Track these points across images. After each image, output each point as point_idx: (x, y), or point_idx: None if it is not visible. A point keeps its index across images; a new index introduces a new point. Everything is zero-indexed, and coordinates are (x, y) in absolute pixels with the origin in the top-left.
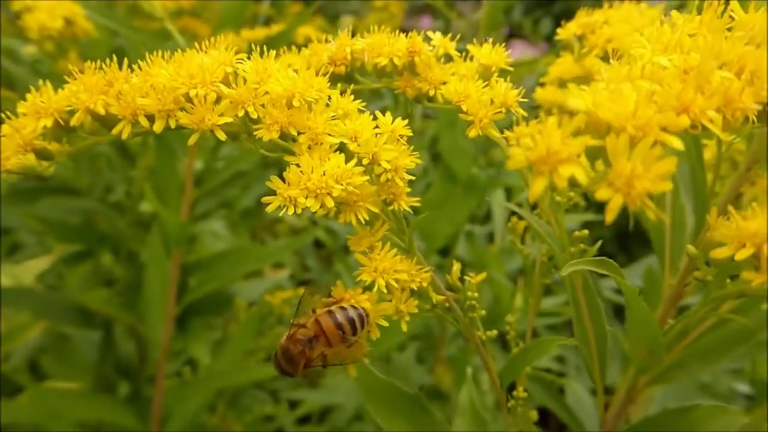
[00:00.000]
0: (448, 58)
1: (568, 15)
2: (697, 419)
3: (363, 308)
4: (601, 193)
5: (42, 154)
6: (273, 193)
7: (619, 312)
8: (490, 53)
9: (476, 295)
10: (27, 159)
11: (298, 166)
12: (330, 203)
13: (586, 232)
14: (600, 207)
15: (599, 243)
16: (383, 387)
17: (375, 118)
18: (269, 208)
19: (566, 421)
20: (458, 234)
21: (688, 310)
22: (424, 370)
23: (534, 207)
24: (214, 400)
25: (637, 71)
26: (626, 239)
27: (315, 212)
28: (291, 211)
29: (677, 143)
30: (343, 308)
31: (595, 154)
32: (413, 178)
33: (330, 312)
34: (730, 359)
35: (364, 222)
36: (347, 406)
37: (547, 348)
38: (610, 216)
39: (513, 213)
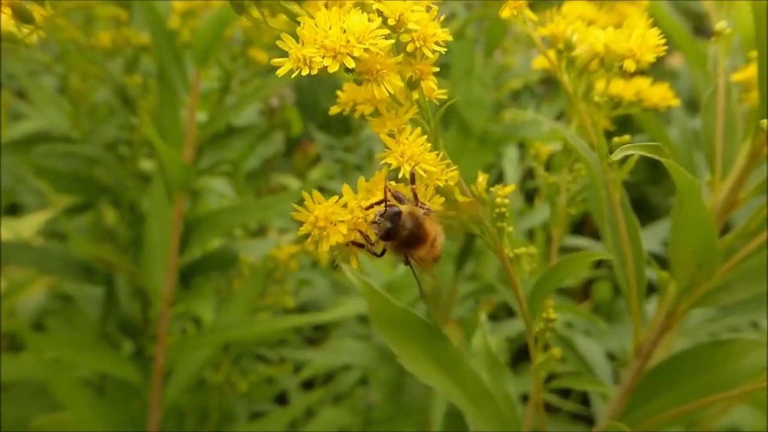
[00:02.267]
0: None
1: None
2: (735, 353)
3: None
4: None
5: (22, 16)
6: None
7: None
8: None
9: (507, 201)
10: (5, 21)
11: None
12: (350, 63)
13: (626, 137)
14: None
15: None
16: (397, 314)
17: None
18: (280, 72)
19: (578, 369)
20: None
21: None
22: None
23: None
24: (219, 359)
25: None
26: (634, 211)
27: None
28: (305, 72)
29: None
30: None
31: None
32: (444, 50)
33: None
34: None
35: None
36: (353, 368)
37: (580, 264)
38: None
39: (528, 177)
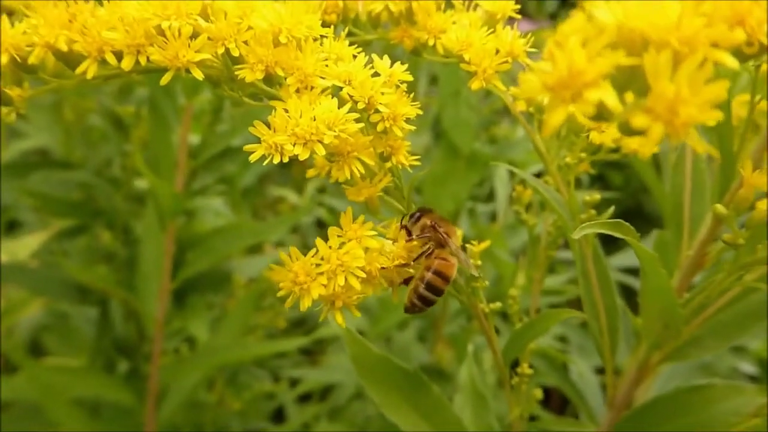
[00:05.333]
0: (450, 7)
1: None
2: (712, 398)
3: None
4: (638, 121)
5: (2, 99)
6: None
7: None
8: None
9: (479, 263)
10: None
11: (285, 111)
12: (321, 150)
13: (597, 196)
14: (603, 183)
15: (611, 209)
16: (378, 362)
17: (371, 63)
18: (252, 157)
19: (571, 397)
20: (460, 210)
21: (710, 279)
22: (424, 349)
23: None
24: (213, 378)
25: None
26: (630, 218)
27: (311, 171)
28: (277, 160)
29: (731, 62)
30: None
31: (622, 84)
32: (413, 128)
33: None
34: (750, 336)
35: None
36: (347, 383)
37: (553, 321)
38: (648, 149)
39: (518, 183)
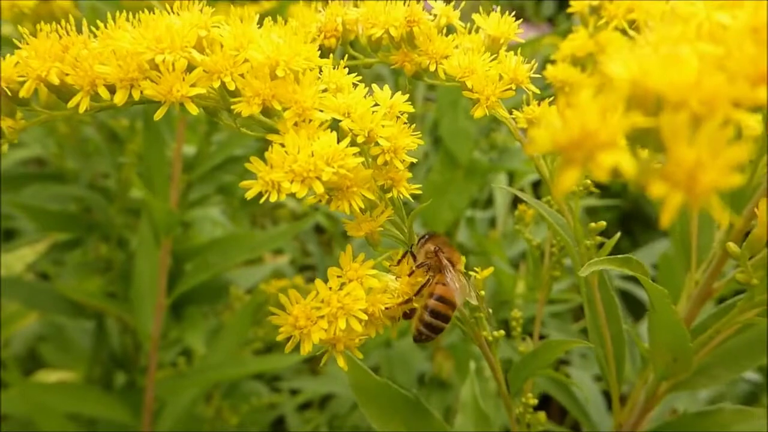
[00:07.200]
0: (451, 31)
1: None
2: (722, 423)
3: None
4: (656, 189)
5: None
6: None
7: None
8: (499, 24)
9: (482, 293)
10: None
11: (282, 146)
12: (319, 188)
13: (603, 223)
14: (604, 189)
15: (617, 236)
16: (379, 389)
17: (371, 93)
18: (249, 194)
19: (575, 414)
20: (459, 220)
21: (718, 313)
22: (424, 356)
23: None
24: (211, 391)
25: (692, 31)
26: (629, 222)
27: (311, 199)
28: (273, 198)
29: (754, 122)
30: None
31: (635, 138)
32: (414, 160)
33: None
34: (761, 363)
35: (360, 210)
36: (347, 394)
37: (558, 351)
38: (667, 218)
39: (519, 199)
